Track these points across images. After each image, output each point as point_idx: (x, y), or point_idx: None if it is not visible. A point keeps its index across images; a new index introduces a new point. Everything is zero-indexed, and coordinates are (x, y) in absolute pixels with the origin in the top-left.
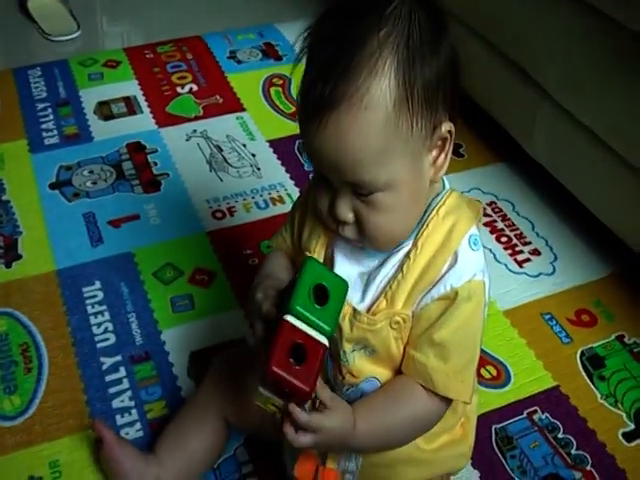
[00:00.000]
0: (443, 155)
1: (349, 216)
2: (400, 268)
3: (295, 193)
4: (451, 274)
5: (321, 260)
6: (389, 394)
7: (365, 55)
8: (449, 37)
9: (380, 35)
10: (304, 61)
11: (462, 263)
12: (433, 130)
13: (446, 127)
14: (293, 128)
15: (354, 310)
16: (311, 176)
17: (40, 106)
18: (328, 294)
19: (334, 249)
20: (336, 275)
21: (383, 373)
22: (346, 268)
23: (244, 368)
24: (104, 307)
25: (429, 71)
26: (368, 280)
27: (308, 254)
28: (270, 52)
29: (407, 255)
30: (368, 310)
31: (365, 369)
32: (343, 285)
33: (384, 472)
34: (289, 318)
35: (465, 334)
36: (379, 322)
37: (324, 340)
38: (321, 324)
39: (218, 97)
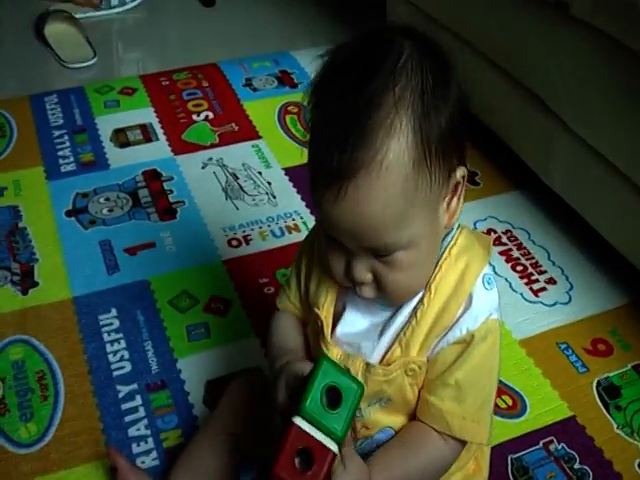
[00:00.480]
0: (456, 199)
1: (367, 277)
2: (414, 314)
3: (311, 221)
4: (466, 317)
5: (331, 314)
6: (403, 443)
7: (381, 116)
8: (456, 77)
9: (396, 92)
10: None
11: (477, 305)
12: (448, 177)
13: (460, 173)
14: None
15: (367, 364)
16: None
17: (56, 133)
18: (341, 397)
19: (345, 302)
20: (352, 377)
21: (397, 421)
22: (358, 320)
23: (258, 393)
24: (120, 335)
25: (444, 121)
26: (383, 330)
27: (317, 310)
28: (286, 80)
29: (421, 300)
30: (382, 359)
31: (380, 420)
32: (358, 389)
33: None
34: (298, 421)
35: (480, 374)
36: (394, 371)
37: (333, 447)
38: (331, 429)
39: (234, 125)
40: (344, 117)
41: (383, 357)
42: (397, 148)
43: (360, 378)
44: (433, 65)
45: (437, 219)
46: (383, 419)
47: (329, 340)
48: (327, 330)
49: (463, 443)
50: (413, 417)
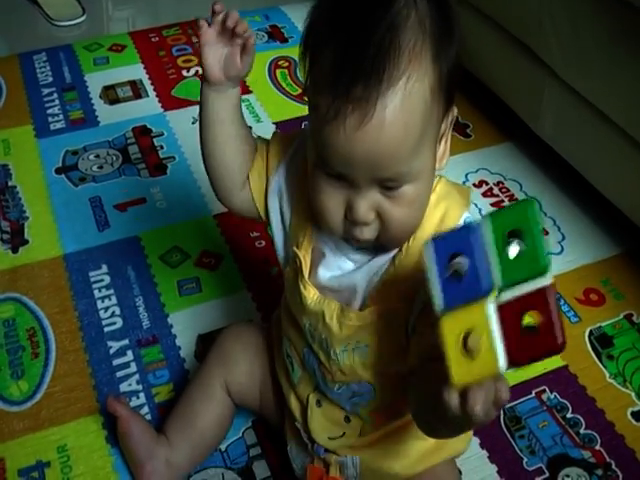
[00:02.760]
0: (444, 142)
1: (371, 216)
2: (392, 261)
3: None
4: None
5: (309, 254)
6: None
7: (405, 40)
8: (459, 21)
9: (418, 16)
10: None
11: None
12: (448, 117)
13: (454, 112)
14: (299, 110)
15: (341, 308)
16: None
17: (46, 91)
18: (520, 233)
19: (322, 246)
20: (515, 206)
21: (374, 375)
22: (336, 264)
23: (248, 344)
24: (111, 291)
25: (452, 55)
26: (358, 277)
27: (296, 249)
28: (276, 34)
29: (399, 249)
30: (360, 306)
31: (356, 369)
32: (529, 209)
33: (388, 464)
34: (491, 305)
35: None
36: (369, 316)
37: (545, 281)
38: (533, 272)
39: None
40: (366, 42)
41: (362, 304)
42: (420, 72)
43: (335, 322)
44: (441, 6)
45: (435, 157)
46: (359, 369)
47: (307, 280)
48: (306, 270)
49: None
50: (391, 378)
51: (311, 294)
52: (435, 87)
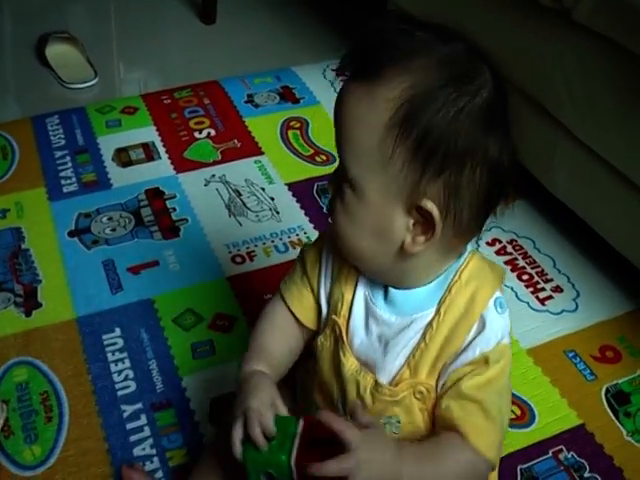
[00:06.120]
0: (423, 237)
1: (332, 189)
2: (423, 337)
3: (314, 236)
4: (479, 340)
5: (346, 321)
6: (434, 445)
7: (397, 70)
8: (494, 140)
9: (429, 60)
10: None
11: (490, 328)
12: (415, 195)
13: (426, 204)
14: (312, 170)
15: (375, 382)
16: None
17: (58, 154)
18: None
19: (355, 314)
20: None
21: None
22: (365, 332)
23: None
24: (124, 354)
25: (435, 138)
26: (387, 346)
27: (335, 317)
28: (287, 95)
29: (430, 323)
30: (392, 380)
31: None
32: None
33: None
34: None
35: (493, 390)
36: (401, 392)
37: None
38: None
39: (236, 141)
40: (376, 48)
41: (393, 379)
42: (386, 96)
43: (368, 395)
44: (493, 109)
45: (390, 215)
46: None
47: (348, 348)
48: (346, 338)
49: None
50: None
51: (349, 362)
52: (393, 127)
